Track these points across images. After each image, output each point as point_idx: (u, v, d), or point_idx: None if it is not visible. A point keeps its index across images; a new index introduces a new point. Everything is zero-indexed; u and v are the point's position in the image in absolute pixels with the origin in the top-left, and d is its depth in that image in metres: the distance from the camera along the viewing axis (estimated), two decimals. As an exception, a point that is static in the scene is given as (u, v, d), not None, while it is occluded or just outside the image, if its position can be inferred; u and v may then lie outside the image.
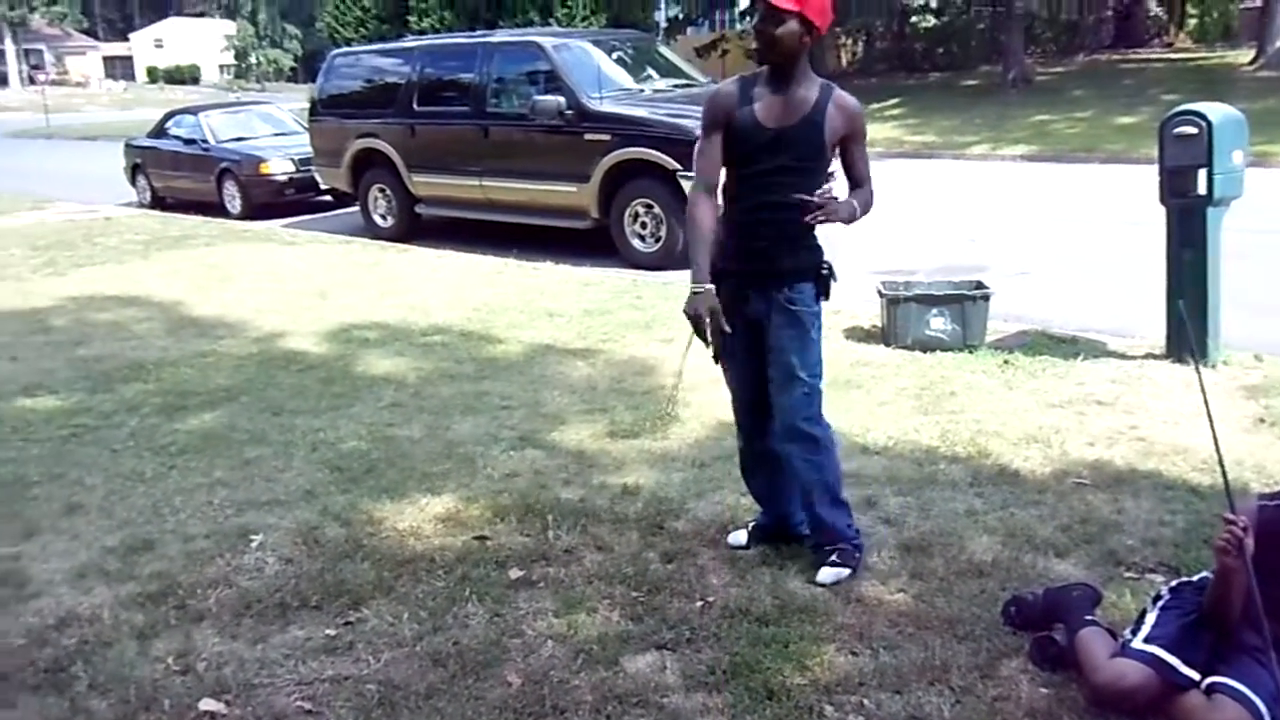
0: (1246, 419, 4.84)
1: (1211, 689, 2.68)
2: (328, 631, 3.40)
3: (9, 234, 12.74)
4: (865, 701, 2.91)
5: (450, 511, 4.28)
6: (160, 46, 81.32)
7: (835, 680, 3.01)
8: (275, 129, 15.75)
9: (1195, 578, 3.01)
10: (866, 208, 3.56)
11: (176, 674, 3.19)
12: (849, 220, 3.47)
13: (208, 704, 3.02)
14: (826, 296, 3.58)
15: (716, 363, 3.67)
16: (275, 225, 12.99)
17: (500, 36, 11.28)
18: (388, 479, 4.64)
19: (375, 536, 4.07)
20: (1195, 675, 2.73)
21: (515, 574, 3.74)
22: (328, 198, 13.87)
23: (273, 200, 14.11)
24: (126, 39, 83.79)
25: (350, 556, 3.91)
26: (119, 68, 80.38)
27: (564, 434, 5.11)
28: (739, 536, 3.87)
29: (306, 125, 13.31)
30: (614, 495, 4.37)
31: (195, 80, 72.58)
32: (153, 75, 75.18)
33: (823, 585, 3.54)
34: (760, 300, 3.52)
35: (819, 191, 3.42)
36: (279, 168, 14.13)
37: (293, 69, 74.60)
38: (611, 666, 3.15)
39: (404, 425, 5.35)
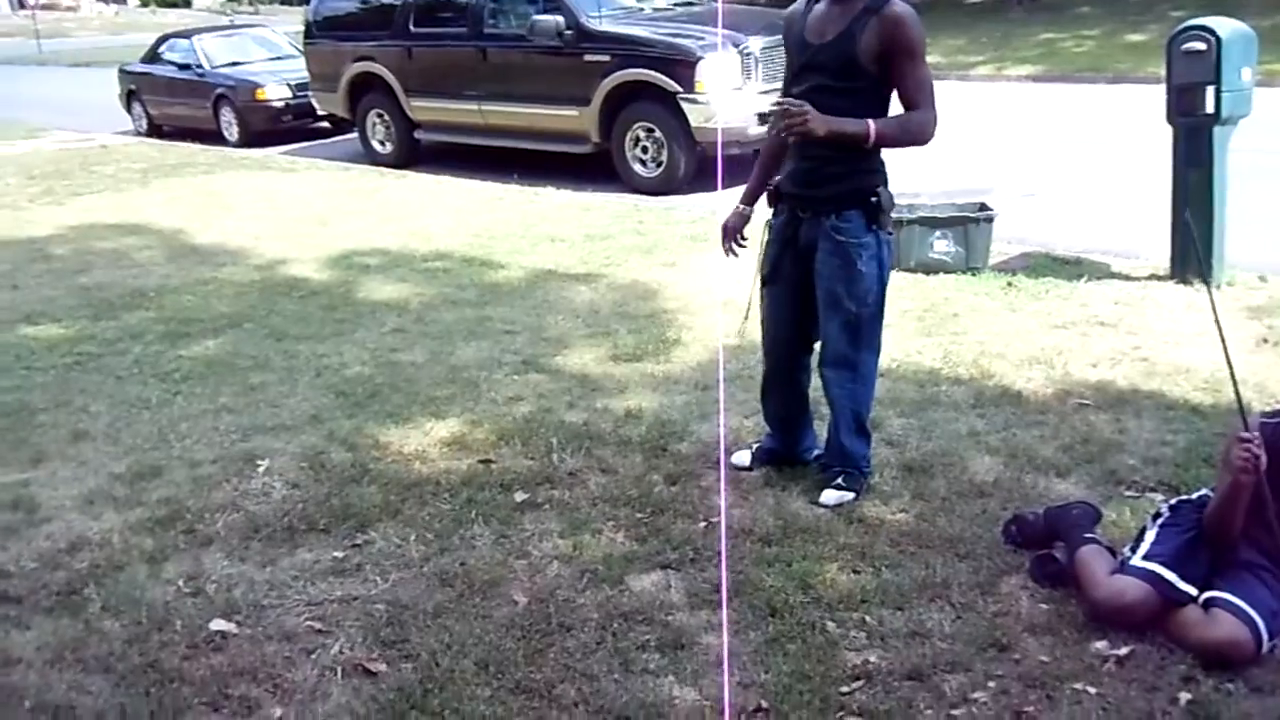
0: (1250, 339, 4.84)
1: (1209, 603, 2.72)
2: (335, 554, 3.44)
3: (4, 162, 12.63)
4: (867, 618, 2.95)
5: (455, 435, 4.31)
6: (152, -31, 79.94)
7: (838, 597, 3.05)
8: (271, 53, 15.51)
9: (1195, 496, 3.04)
10: (903, 132, 3.30)
11: (187, 596, 3.24)
12: (852, 138, 3.25)
13: (218, 624, 3.06)
14: (878, 226, 3.41)
15: (764, 285, 3.67)
16: (273, 152, 12.89)
17: (498, -46, 11.06)
18: (392, 404, 4.66)
19: (381, 460, 4.10)
20: (1193, 591, 2.77)
21: (520, 497, 3.77)
22: (325, 124, 13.68)
23: (270, 127, 13.95)
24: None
25: (356, 480, 3.94)
26: (110, -8, 79.12)
27: (567, 358, 5.12)
28: (743, 457, 3.90)
29: (302, 49, 13.11)
30: (617, 418, 4.39)
31: (188, 4, 71.30)
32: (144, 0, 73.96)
33: (825, 506, 3.57)
34: (811, 226, 3.46)
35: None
36: (275, 93, 13.95)
37: (287, -8, 73.37)
38: (616, 585, 3.19)
39: (407, 350, 5.36)
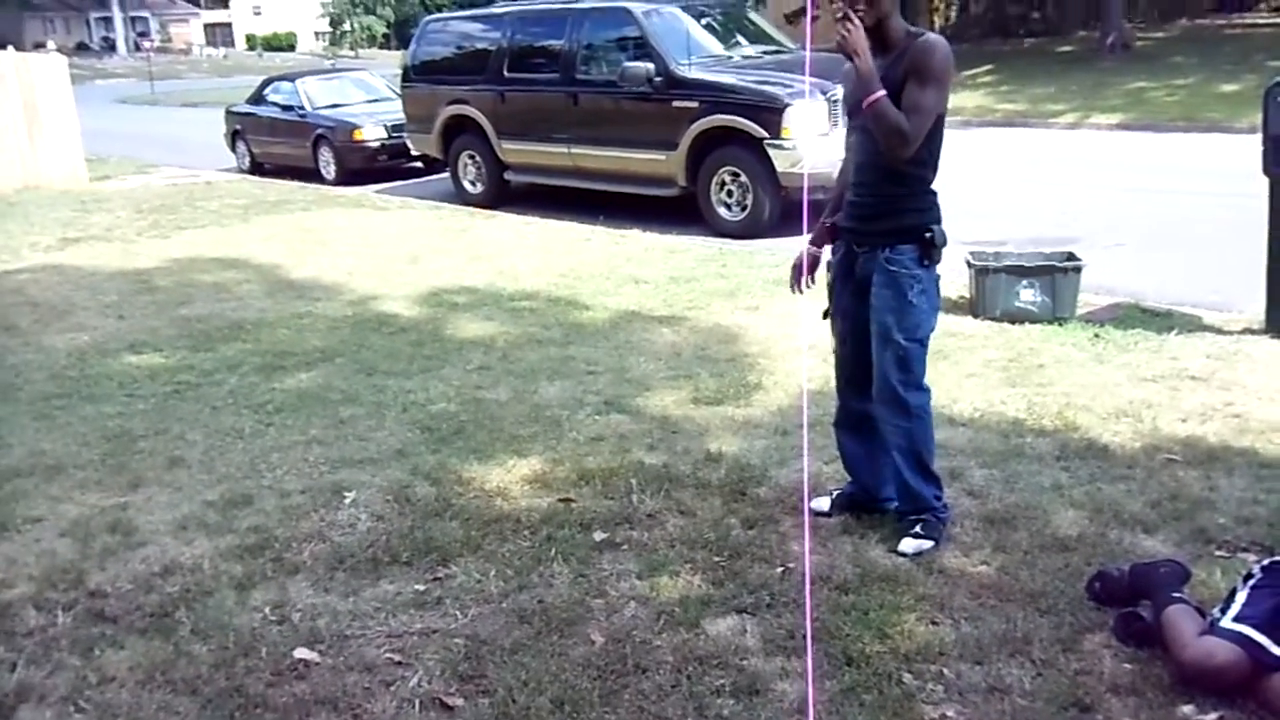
0: (1352, 397, 4.70)
1: (1302, 670, 2.64)
2: (417, 587, 3.51)
3: (116, 197, 13.19)
4: (945, 671, 2.92)
5: (536, 473, 4.37)
6: (259, 14, 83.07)
7: (915, 649, 3.02)
8: (369, 95, 16.01)
9: (1289, 557, 2.96)
10: (891, 125, 3.28)
11: (273, 623, 3.33)
12: (863, 76, 3.27)
13: (302, 652, 3.14)
14: (931, 261, 3.50)
15: (824, 318, 3.78)
16: (368, 191, 13.23)
17: (590, 2, 11.27)
18: (476, 440, 4.74)
19: (464, 496, 4.18)
20: (1286, 655, 2.69)
21: (599, 536, 3.81)
22: (419, 164, 14.08)
23: (366, 166, 14.36)
24: (227, 6, 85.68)
25: (439, 515, 4.02)
26: (219, 35, 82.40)
27: (648, 399, 5.17)
28: (822, 503, 3.89)
29: (399, 92, 13.49)
30: (697, 461, 4.41)
31: (291, 47, 74.01)
32: (251, 42, 76.85)
33: (904, 555, 3.55)
34: (868, 260, 3.57)
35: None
36: (372, 134, 14.36)
37: (385, 35, 75.49)
38: (693, 629, 3.20)
39: (492, 388, 5.45)
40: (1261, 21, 27.26)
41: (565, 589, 3.46)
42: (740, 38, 11.06)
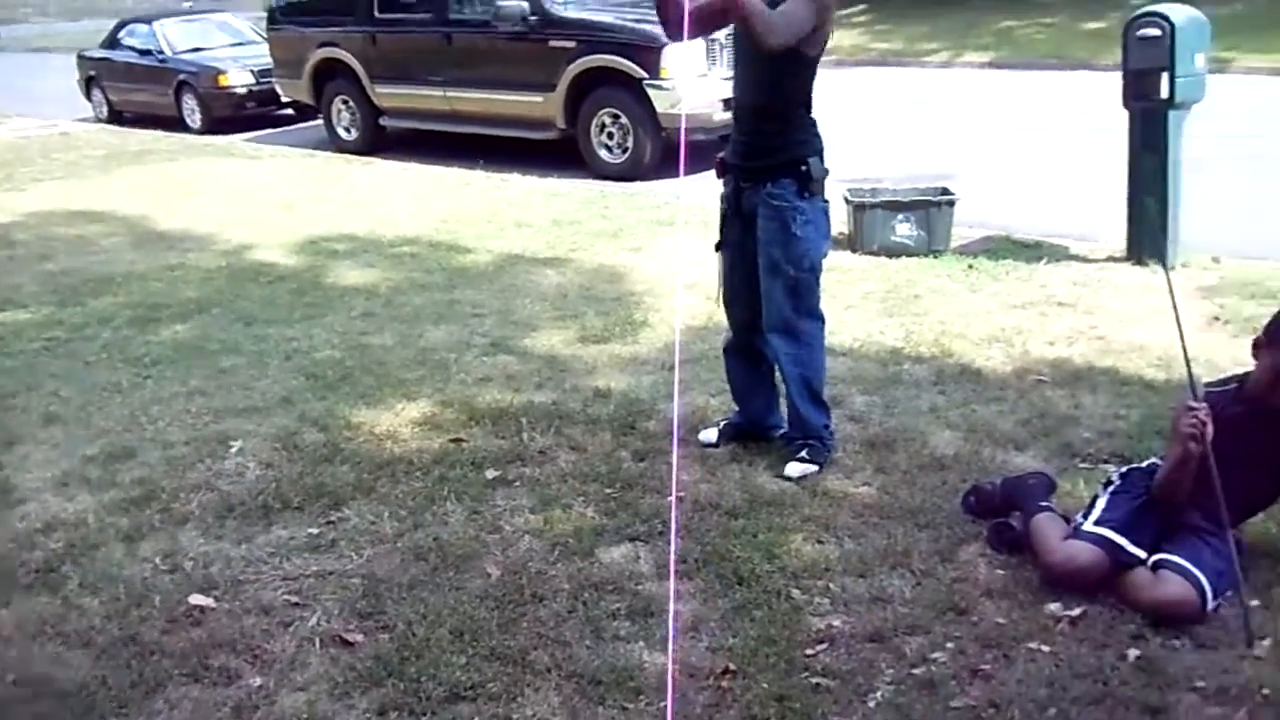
0: (1201, 318, 4.97)
1: (1157, 565, 2.84)
2: (311, 530, 3.49)
3: (-36, 149, 12.51)
4: (831, 585, 3.04)
5: (426, 416, 4.37)
6: (108, -45, 78.88)
7: (802, 566, 3.14)
8: (233, 39, 15.42)
9: (1145, 464, 3.16)
10: (762, 21, 3.21)
11: (164, 572, 3.28)
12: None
13: (197, 599, 3.11)
14: (810, 193, 3.58)
15: (716, 251, 3.86)
16: (237, 139, 12.82)
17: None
18: (363, 385, 4.71)
19: (353, 441, 4.15)
20: (1142, 554, 2.88)
21: (491, 474, 3.83)
22: (289, 111, 13.63)
23: (233, 114, 13.89)
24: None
25: (329, 460, 3.99)
26: (66, -23, 77.97)
27: (535, 340, 5.19)
28: (710, 434, 3.99)
29: (265, 35, 13.04)
30: (586, 398, 4.46)
31: (146, -10, 70.43)
32: (102, -15, 72.91)
33: (790, 479, 3.67)
34: (751, 194, 3.65)
35: None
36: (238, 79, 13.89)
37: (247, -22, 72.61)
38: (587, 557, 3.26)
39: (377, 334, 5.40)
40: (1121, -40, 28.18)
41: (460, 526, 3.49)
42: (617, -25, 10.98)
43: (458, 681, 2.69)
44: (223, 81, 13.87)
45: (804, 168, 3.56)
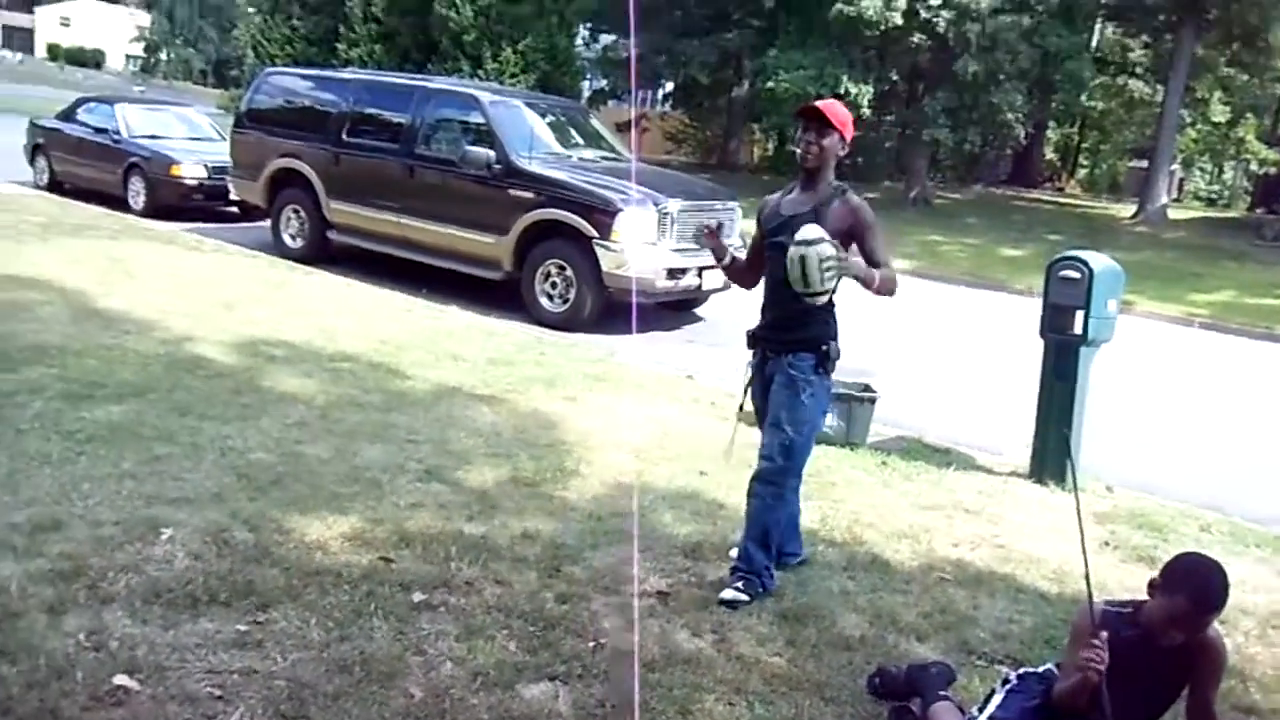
0: (1094, 541, 5.32)
1: (1044, 766, 3.04)
2: (238, 627, 3.54)
3: (-103, 196, 12.35)
4: (740, 747, 3.19)
5: (356, 531, 4.45)
6: (66, 25, 78.96)
7: (714, 726, 3.29)
8: (192, 132, 15.67)
9: (1040, 669, 3.39)
10: (888, 281, 4.06)
11: (88, 650, 3.29)
12: (866, 281, 4.02)
13: (121, 679, 3.13)
14: (825, 370, 4.19)
15: (739, 412, 4.59)
16: (178, 228, 12.87)
17: (440, 83, 11.53)
18: (295, 492, 4.78)
19: (283, 545, 4.21)
20: (1031, 754, 3.09)
21: (418, 597, 3.93)
22: (234, 209, 13.77)
23: (179, 203, 13.98)
24: (31, 11, 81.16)
25: (259, 561, 4.04)
26: (17, 40, 77.75)
27: (469, 473, 5.32)
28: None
29: (229, 135, 13.28)
30: (514, 536, 4.59)
31: (99, 65, 70.48)
32: (54, 53, 72.70)
33: (722, 602, 4.08)
34: (775, 364, 4.26)
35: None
36: (191, 171, 14.04)
37: (203, 72, 73.24)
38: (507, 690, 3.37)
39: (311, 444, 5.48)
40: (1045, 199, 30.28)
41: (385, 643, 3.57)
42: (580, 139, 11.53)
43: (378, 794, 2.75)
44: (174, 171, 14.01)
45: (824, 348, 4.17)
